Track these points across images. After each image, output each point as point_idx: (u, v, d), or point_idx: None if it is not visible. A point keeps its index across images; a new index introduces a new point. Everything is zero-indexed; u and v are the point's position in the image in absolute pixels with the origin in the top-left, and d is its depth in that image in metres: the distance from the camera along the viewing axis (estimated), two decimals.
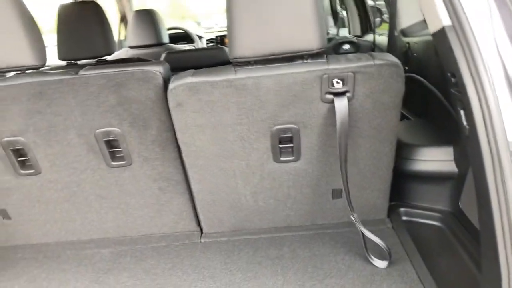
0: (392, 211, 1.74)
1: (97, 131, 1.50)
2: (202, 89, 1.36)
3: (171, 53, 2.65)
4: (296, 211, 1.68)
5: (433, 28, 1.18)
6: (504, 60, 1.07)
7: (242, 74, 1.35)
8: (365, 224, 1.58)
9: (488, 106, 1.02)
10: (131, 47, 3.44)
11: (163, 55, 2.58)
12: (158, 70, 1.42)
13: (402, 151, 1.69)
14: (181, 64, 2.55)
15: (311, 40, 1.30)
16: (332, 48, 2.40)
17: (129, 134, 1.51)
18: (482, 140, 1.05)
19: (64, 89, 1.42)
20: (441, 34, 1.13)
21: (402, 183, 1.76)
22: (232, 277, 1.50)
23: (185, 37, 4.69)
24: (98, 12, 2.25)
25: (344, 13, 3.60)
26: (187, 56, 2.70)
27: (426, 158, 1.65)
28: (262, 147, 1.49)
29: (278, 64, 1.36)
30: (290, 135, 1.46)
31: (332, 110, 1.38)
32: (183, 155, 1.53)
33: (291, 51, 1.32)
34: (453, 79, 1.16)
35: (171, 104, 1.40)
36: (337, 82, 1.34)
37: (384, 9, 2.84)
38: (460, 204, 1.60)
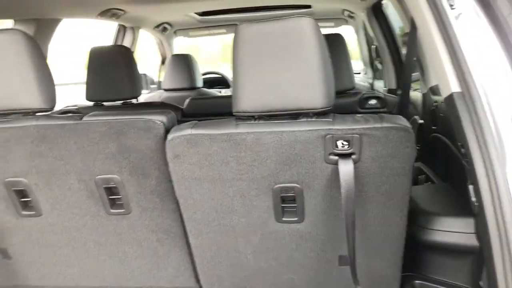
0: (406, 283, 1.59)
1: (97, 177, 1.48)
2: (200, 142, 1.32)
3: (195, 99, 2.65)
4: (300, 275, 1.57)
5: (444, 93, 1.10)
6: None
7: (243, 129, 1.30)
8: None
9: (497, 186, 0.91)
10: (165, 90, 3.50)
11: (187, 101, 2.59)
12: (160, 120, 1.39)
13: (419, 219, 1.56)
14: (203, 110, 2.55)
15: (316, 99, 1.24)
16: (358, 103, 2.32)
17: (128, 182, 1.47)
18: (490, 221, 0.94)
19: (66, 134, 1.42)
20: (450, 100, 1.04)
21: (419, 253, 1.62)
22: None
23: (223, 81, 4.75)
24: (128, 57, 2.29)
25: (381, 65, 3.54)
26: (210, 103, 2.69)
27: (445, 228, 1.51)
28: (263, 205, 1.42)
29: (280, 121, 1.30)
30: (293, 194, 1.38)
31: (336, 172, 1.30)
32: (181, 207, 1.47)
33: (295, 108, 1.26)
34: (462, 150, 1.06)
35: (168, 155, 1.36)
36: (342, 144, 1.26)
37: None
38: (481, 283, 1.44)
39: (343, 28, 4.36)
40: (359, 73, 4.68)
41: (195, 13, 3.66)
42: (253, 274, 1.60)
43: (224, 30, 4.19)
